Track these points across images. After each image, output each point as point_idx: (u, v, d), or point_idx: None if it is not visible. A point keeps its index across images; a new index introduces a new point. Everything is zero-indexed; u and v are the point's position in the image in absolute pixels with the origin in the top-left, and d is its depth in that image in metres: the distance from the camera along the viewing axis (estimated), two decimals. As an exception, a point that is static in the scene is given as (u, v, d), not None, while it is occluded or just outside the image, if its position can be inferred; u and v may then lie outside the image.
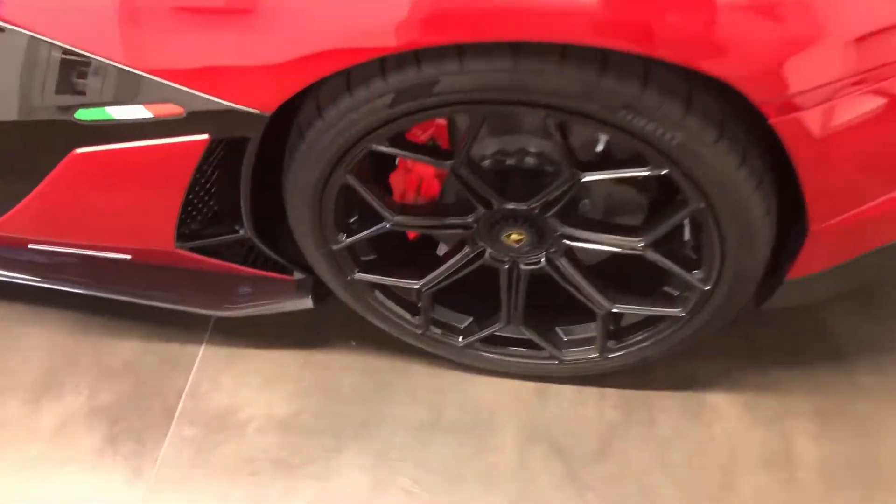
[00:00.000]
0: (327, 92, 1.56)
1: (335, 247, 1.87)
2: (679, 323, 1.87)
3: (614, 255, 1.73)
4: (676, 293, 1.85)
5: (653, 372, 2.01)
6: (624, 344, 1.98)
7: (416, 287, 1.95)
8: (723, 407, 2.06)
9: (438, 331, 1.95)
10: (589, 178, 1.60)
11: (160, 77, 1.51)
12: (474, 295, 1.92)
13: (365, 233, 1.83)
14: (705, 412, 2.01)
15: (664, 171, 1.51)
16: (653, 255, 1.72)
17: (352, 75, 1.51)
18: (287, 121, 1.67)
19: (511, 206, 1.72)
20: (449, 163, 1.63)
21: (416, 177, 1.81)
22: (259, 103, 1.53)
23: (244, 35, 1.43)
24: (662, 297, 1.87)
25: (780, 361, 2.17)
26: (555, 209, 1.71)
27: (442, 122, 1.73)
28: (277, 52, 1.43)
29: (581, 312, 2.00)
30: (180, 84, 1.52)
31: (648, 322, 1.94)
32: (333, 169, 1.67)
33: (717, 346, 2.09)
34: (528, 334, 2.01)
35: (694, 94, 1.42)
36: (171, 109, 1.56)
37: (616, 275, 1.93)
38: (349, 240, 1.86)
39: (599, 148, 1.57)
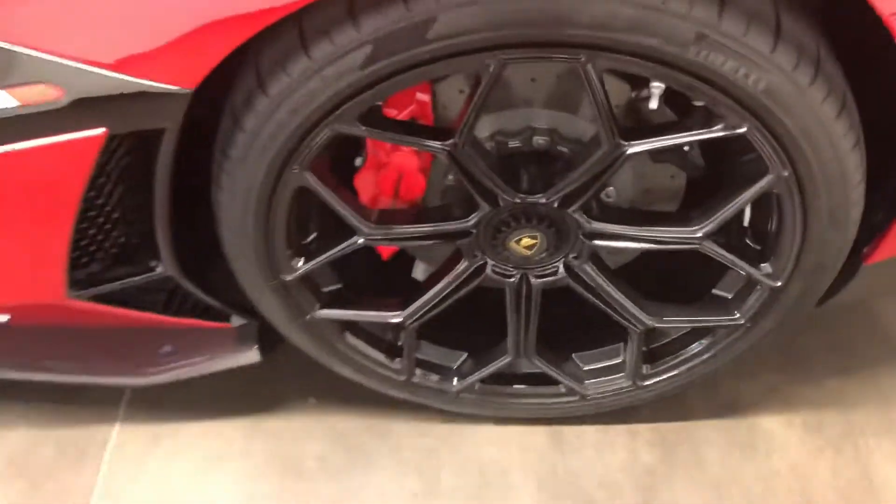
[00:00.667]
0: (273, 53, 1.11)
1: (288, 277, 1.41)
2: (736, 333, 1.48)
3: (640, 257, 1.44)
4: (730, 295, 1.46)
5: (686, 398, 1.64)
6: (663, 367, 1.58)
7: (398, 321, 1.49)
8: (779, 432, 1.69)
9: (426, 375, 1.57)
10: (637, 148, 1.19)
11: (24, 47, 1.03)
12: (468, 325, 1.58)
13: (328, 254, 1.38)
14: (759, 441, 1.64)
15: (740, 130, 1.12)
16: (712, 249, 1.33)
17: (306, 23, 1.07)
18: (216, 105, 1.21)
19: (523, 200, 1.30)
20: (448, 143, 1.20)
21: (394, 172, 1.37)
22: (174, 75, 1.07)
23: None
24: (713, 304, 1.49)
25: (835, 369, 1.82)
26: (581, 201, 1.30)
27: (424, 97, 1.30)
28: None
29: (605, 333, 1.59)
30: (56, 55, 1.04)
31: (693, 336, 1.55)
32: (284, 166, 1.22)
33: (756, 358, 1.70)
34: (541, 367, 1.58)
35: (783, 17, 1.04)
36: (44, 94, 1.08)
37: (645, 282, 1.53)
38: (307, 266, 1.40)
39: (653, 105, 1.18)
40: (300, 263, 1.41)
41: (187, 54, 1.05)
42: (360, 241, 1.36)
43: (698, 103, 1.17)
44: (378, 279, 1.64)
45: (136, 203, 1.31)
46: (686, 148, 1.35)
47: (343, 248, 1.38)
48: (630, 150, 1.20)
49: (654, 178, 1.46)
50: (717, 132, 1.15)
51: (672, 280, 1.61)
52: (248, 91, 1.16)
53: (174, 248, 1.37)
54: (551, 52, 1.06)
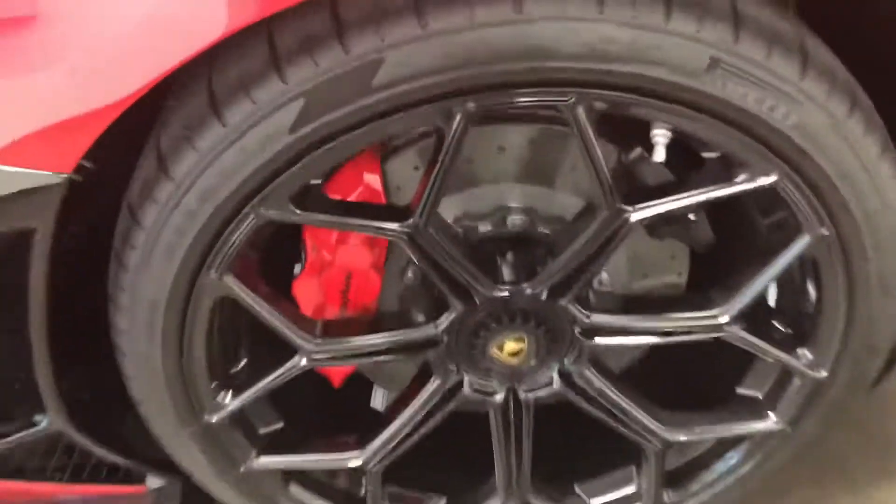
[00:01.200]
0: (177, 123, 0.86)
1: (213, 418, 1.11)
2: (774, 441, 1.21)
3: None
4: (761, 394, 1.21)
5: None
6: (688, 492, 1.29)
7: (358, 464, 1.19)
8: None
9: None
10: (643, 213, 0.96)
11: None
12: (446, 460, 1.34)
13: (263, 383, 1.08)
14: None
15: (769, 180, 0.91)
16: (739, 337, 1.08)
17: (216, 79, 0.83)
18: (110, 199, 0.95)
19: (504, 293, 1.05)
20: (408, 224, 0.94)
21: (341, 273, 1.11)
22: (46, 158, 0.81)
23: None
24: (742, 407, 1.23)
25: (878, 475, 1.54)
26: (575, 287, 1.05)
27: (373, 178, 1.06)
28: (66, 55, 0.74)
29: (612, 455, 1.31)
30: None
31: (722, 450, 1.27)
32: (198, 271, 0.95)
33: (785, 468, 1.42)
34: (540, 504, 1.28)
35: (807, 39, 0.85)
36: None
37: (651, 386, 1.26)
38: (237, 401, 1.10)
39: (658, 157, 0.95)
40: (228, 399, 1.11)
41: (61, 126, 0.80)
42: (303, 362, 1.07)
43: (710, 155, 0.96)
44: (329, 414, 1.33)
45: (9, 332, 1.01)
46: (692, 217, 1.12)
47: (282, 374, 1.08)
48: (635, 217, 0.96)
49: (651, 261, 1.22)
50: (740, 185, 0.93)
51: (681, 381, 1.35)
52: (146, 176, 0.91)
53: (64, 393, 1.05)
54: (531, 94, 0.84)
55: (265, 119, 0.84)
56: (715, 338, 1.11)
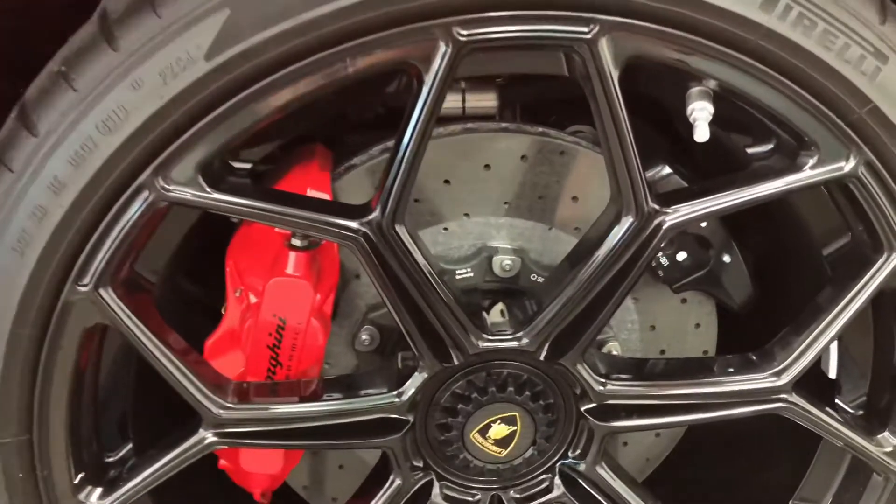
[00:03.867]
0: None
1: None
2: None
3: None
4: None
5: None
6: None
7: None
8: None
9: None
10: (679, 217, 0.72)
11: None
12: None
13: (152, 469, 0.76)
14: None
15: (843, 169, 0.69)
16: (804, 409, 0.81)
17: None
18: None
19: (489, 342, 0.78)
20: (368, 219, 0.68)
21: (270, 322, 0.81)
22: None
23: None
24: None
25: None
26: (586, 337, 0.78)
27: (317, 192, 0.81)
28: None
29: None
30: None
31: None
32: (63, 280, 0.66)
33: None
34: None
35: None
36: None
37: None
38: (110, 501, 0.76)
39: (701, 135, 0.72)
40: (94, 498, 0.77)
41: None
42: (209, 436, 0.75)
43: (757, 149, 0.74)
44: None
45: None
46: (725, 259, 0.88)
47: (178, 457, 0.75)
48: (670, 221, 0.71)
49: (671, 330, 0.96)
50: (802, 175, 0.70)
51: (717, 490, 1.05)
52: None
53: None
54: (539, 22, 0.62)
55: (172, 39, 0.60)
56: (766, 418, 0.84)
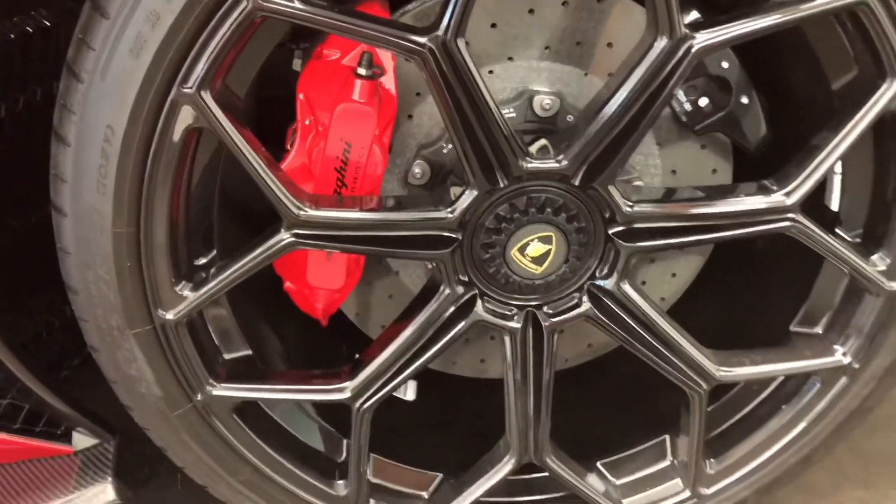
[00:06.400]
0: None
1: (170, 314, 0.88)
2: (837, 386, 1.03)
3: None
4: (820, 329, 1.03)
5: None
6: (733, 461, 1.08)
7: (344, 397, 0.96)
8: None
9: None
10: (711, 37, 0.81)
11: None
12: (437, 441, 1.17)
13: (240, 264, 0.87)
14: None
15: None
16: (807, 228, 0.92)
17: None
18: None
19: (532, 164, 0.88)
20: (433, 35, 0.78)
21: (337, 145, 0.91)
22: None
23: None
24: (798, 347, 1.04)
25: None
26: (615, 161, 0.88)
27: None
28: None
29: (638, 426, 1.15)
30: None
31: (772, 407, 1.08)
32: (171, 80, 0.77)
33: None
34: (561, 473, 1.05)
35: None
36: None
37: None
38: (202, 293, 0.88)
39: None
40: (189, 293, 0.89)
41: None
42: (287, 237, 0.87)
43: None
44: (305, 339, 1.11)
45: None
46: (744, 100, 0.98)
47: (262, 254, 0.87)
48: (699, 45, 0.81)
49: (690, 173, 1.07)
50: (822, 3, 0.80)
51: (723, 328, 1.17)
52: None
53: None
54: None
55: None
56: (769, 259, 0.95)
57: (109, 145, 0.79)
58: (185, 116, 0.79)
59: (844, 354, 1.01)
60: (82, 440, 1.07)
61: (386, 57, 0.94)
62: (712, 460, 1.09)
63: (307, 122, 0.95)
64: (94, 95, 0.77)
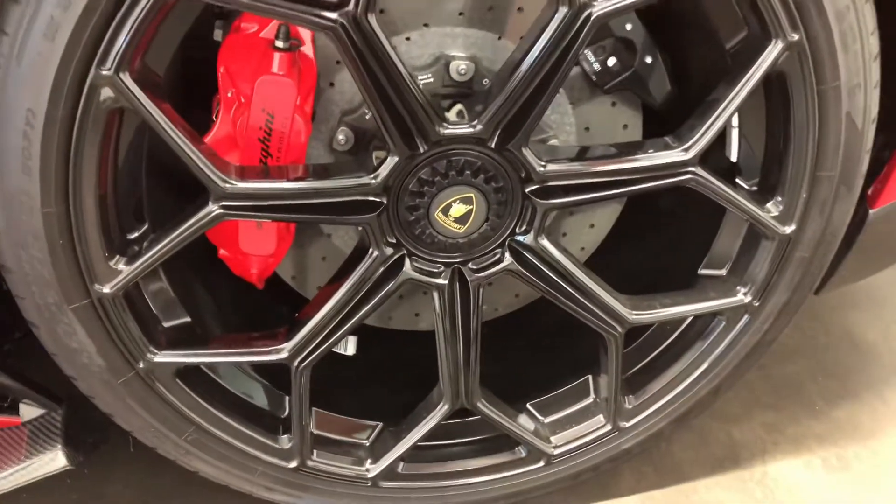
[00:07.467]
0: None
1: (107, 288, 0.91)
2: (740, 323, 1.12)
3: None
4: (724, 272, 1.12)
5: (672, 455, 1.37)
6: (651, 394, 1.17)
7: (282, 357, 1.01)
8: (799, 478, 1.28)
9: (326, 460, 1.12)
10: (608, 6, 0.86)
11: None
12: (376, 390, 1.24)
13: (170, 237, 0.90)
14: (782, 494, 1.22)
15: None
16: (706, 180, 0.99)
17: None
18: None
19: (450, 132, 0.93)
20: (344, 10, 0.81)
21: (260, 117, 0.95)
22: None
23: None
24: (705, 289, 1.12)
25: (837, 395, 1.47)
26: (527, 122, 0.93)
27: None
28: None
29: (562, 368, 1.23)
30: None
31: (683, 346, 1.17)
32: (89, 63, 0.78)
33: (742, 398, 1.33)
34: (491, 415, 1.13)
35: None
36: None
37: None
38: (137, 267, 0.91)
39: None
40: (124, 266, 0.92)
41: None
42: (215, 210, 0.90)
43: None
44: (239, 303, 1.15)
45: None
46: (648, 60, 1.04)
47: (191, 227, 0.90)
48: (597, 12, 0.86)
49: (602, 131, 1.13)
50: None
51: (635, 274, 1.25)
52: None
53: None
54: None
55: None
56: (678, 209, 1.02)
57: (31, 129, 0.81)
58: (106, 98, 0.81)
59: (745, 294, 1.10)
60: (29, 411, 1.10)
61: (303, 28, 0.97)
62: (630, 396, 1.18)
63: (229, 95, 0.97)
64: (11, 80, 0.79)
